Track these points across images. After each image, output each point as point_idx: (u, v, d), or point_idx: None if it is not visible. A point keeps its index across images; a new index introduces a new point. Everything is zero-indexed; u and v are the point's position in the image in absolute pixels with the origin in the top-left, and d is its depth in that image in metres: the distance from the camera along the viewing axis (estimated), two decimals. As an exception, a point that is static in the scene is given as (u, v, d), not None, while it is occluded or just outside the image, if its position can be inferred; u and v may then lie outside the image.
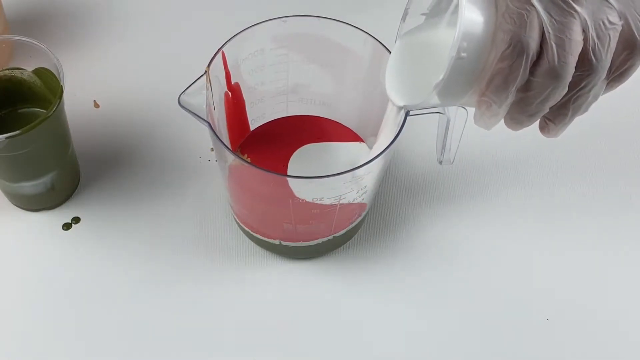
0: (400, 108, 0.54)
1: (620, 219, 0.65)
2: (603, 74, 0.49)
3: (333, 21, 0.58)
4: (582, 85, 0.49)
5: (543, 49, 0.48)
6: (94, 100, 0.70)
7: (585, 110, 0.52)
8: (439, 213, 0.65)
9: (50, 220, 0.64)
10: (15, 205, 0.64)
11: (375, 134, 0.62)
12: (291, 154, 0.63)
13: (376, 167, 0.55)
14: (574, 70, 0.48)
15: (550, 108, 0.51)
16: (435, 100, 0.50)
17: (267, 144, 0.64)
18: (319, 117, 0.65)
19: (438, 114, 0.57)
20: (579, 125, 0.69)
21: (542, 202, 0.66)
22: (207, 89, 0.55)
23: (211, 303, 0.61)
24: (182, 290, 0.61)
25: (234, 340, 0.59)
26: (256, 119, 0.65)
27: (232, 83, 0.59)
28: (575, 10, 0.47)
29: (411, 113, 0.55)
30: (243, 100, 0.62)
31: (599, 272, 0.63)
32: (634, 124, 0.70)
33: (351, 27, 0.58)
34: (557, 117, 0.52)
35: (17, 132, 0.56)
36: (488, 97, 0.49)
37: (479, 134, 0.67)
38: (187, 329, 0.60)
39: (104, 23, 0.75)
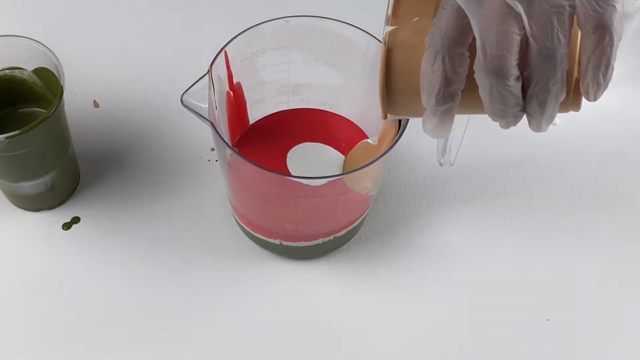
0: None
1: (621, 219, 0.65)
2: (558, 63, 0.45)
3: (335, 21, 0.58)
4: (538, 78, 0.46)
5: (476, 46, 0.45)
6: (94, 100, 0.70)
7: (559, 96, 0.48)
8: (439, 214, 0.65)
9: (50, 220, 0.64)
10: (15, 205, 0.64)
11: (376, 134, 0.62)
12: (288, 150, 0.63)
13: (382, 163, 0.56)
14: (514, 63, 0.45)
15: (526, 103, 0.47)
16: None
17: (265, 139, 0.64)
18: (320, 110, 0.65)
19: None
20: (579, 126, 0.70)
21: (542, 202, 0.66)
22: (210, 88, 0.55)
23: (211, 303, 0.61)
24: (182, 290, 0.61)
25: (234, 340, 0.59)
26: (257, 118, 0.65)
27: (234, 83, 0.59)
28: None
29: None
30: (244, 100, 0.62)
31: (599, 272, 0.63)
32: (634, 125, 0.71)
33: (353, 27, 0.58)
34: (531, 112, 0.48)
35: (17, 132, 0.56)
36: (429, 108, 0.47)
37: (479, 136, 0.68)
38: (187, 328, 0.60)
39: (104, 23, 0.75)
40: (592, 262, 0.63)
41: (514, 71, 0.45)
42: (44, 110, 0.62)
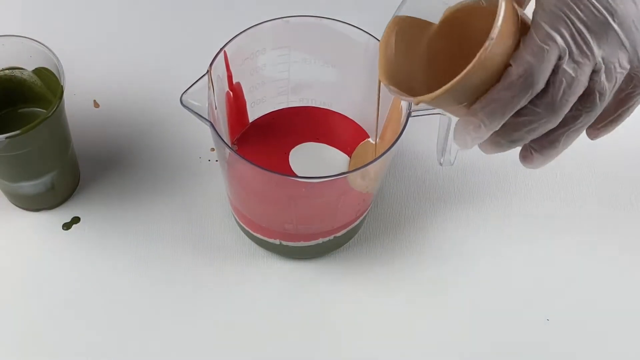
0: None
1: (621, 219, 0.65)
2: (599, 112, 0.49)
3: (335, 21, 0.58)
4: (578, 122, 0.49)
5: (549, 82, 0.47)
6: (94, 100, 0.70)
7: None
8: (439, 214, 0.65)
9: (50, 220, 0.64)
10: (15, 205, 0.64)
11: (376, 134, 0.62)
12: (290, 150, 0.63)
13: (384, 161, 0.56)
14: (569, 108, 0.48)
15: (538, 140, 0.50)
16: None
17: (266, 138, 0.64)
18: (321, 108, 0.65)
19: (439, 115, 0.57)
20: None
21: (543, 203, 0.66)
22: (209, 88, 0.55)
23: (211, 303, 0.61)
24: (181, 290, 0.61)
25: (234, 340, 0.59)
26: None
27: (234, 83, 0.59)
28: (593, 54, 0.47)
29: (412, 114, 0.55)
30: (244, 100, 0.62)
31: (599, 272, 0.63)
32: (634, 125, 0.70)
33: (353, 27, 0.58)
34: (545, 149, 0.51)
35: (17, 132, 0.56)
36: (480, 119, 0.48)
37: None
38: (187, 328, 0.60)
39: (104, 23, 0.75)
40: (593, 262, 0.63)
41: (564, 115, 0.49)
42: (44, 110, 0.62)
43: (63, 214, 0.64)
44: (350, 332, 0.60)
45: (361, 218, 0.62)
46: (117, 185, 0.66)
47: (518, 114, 0.48)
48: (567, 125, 0.49)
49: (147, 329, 0.60)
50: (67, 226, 0.64)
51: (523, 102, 0.47)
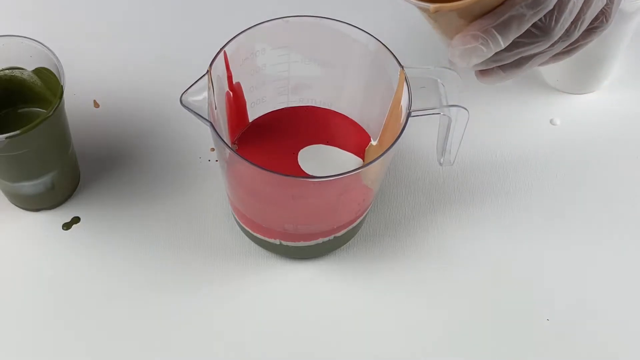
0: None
1: (622, 219, 0.65)
2: (575, 38, 0.51)
3: (335, 21, 0.58)
4: (556, 46, 0.50)
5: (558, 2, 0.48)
6: (94, 100, 0.70)
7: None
8: (439, 214, 0.65)
9: (50, 220, 0.64)
10: (15, 205, 0.64)
11: (376, 134, 0.62)
12: (297, 150, 0.63)
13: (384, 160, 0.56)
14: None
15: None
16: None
17: (266, 138, 0.64)
18: (320, 107, 0.65)
19: (439, 115, 0.57)
20: (579, 126, 0.70)
21: (542, 202, 0.66)
22: (209, 88, 0.55)
23: (211, 303, 0.61)
24: (181, 290, 0.61)
25: (234, 340, 0.59)
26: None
27: (234, 83, 0.59)
28: None
29: (412, 114, 0.55)
30: (244, 100, 0.62)
31: (599, 272, 0.63)
32: (634, 125, 0.71)
33: (353, 27, 0.58)
34: (511, 68, 0.51)
35: (17, 132, 0.56)
36: (489, 36, 0.48)
37: (479, 136, 0.68)
38: (187, 328, 0.60)
39: (104, 23, 0.75)
40: (593, 262, 0.63)
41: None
42: (44, 111, 0.62)
43: (63, 214, 0.64)
44: (351, 331, 0.60)
45: (361, 218, 0.62)
46: (117, 185, 0.66)
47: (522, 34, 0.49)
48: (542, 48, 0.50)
49: (147, 329, 0.60)
50: (67, 226, 0.64)
51: (536, 18, 0.48)
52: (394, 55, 0.57)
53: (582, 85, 0.71)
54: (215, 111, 0.56)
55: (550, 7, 0.48)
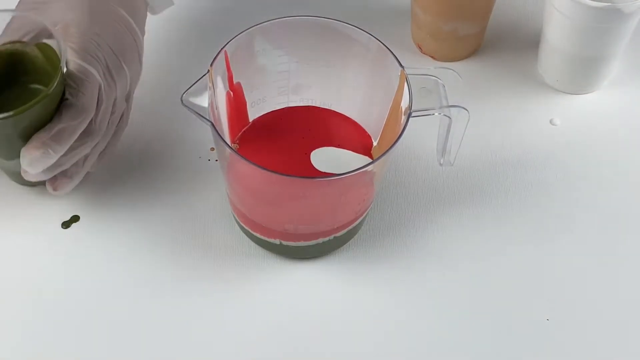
0: None
1: (621, 219, 0.65)
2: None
3: (335, 22, 0.58)
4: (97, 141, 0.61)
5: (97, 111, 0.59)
6: (94, 100, 0.70)
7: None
8: (438, 214, 0.65)
9: (50, 219, 0.64)
10: (15, 181, 0.64)
11: (376, 134, 0.63)
12: (297, 150, 0.63)
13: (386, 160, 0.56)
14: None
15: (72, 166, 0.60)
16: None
17: (266, 137, 0.64)
18: (320, 107, 0.65)
19: (439, 115, 0.57)
20: (579, 126, 0.70)
21: (542, 203, 0.66)
22: (210, 88, 0.55)
23: (211, 303, 0.61)
24: (181, 290, 0.61)
25: (233, 340, 0.59)
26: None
27: (234, 83, 0.59)
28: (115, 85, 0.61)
29: (413, 114, 0.55)
30: (244, 100, 0.62)
31: (599, 272, 0.63)
32: (634, 125, 0.71)
33: (354, 27, 0.58)
34: (74, 173, 0.61)
35: (10, 113, 0.55)
36: (50, 147, 0.57)
37: (479, 136, 0.68)
38: (187, 328, 0.60)
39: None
40: (593, 262, 0.63)
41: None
42: (44, 88, 0.61)
43: (63, 213, 0.64)
44: (350, 332, 0.60)
45: (361, 218, 0.62)
46: (117, 184, 0.66)
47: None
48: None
49: (147, 328, 0.60)
50: (66, 225, 0.64)
51: (83, 126, 0.58)
52: (395, 55, 0.57)
53: (582, 85, 0.71)
54: (215, 111, 0.56)
55: (91, 116, 0.58)
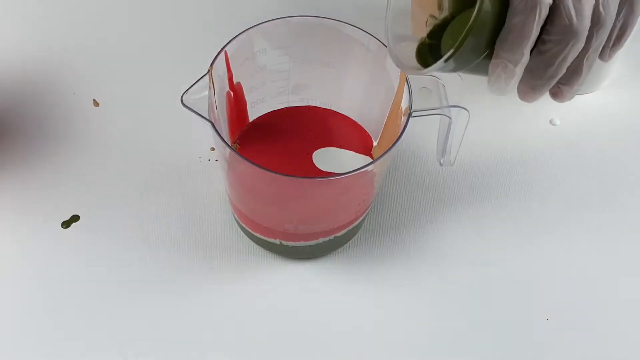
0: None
1: (621, 219, 0.65)
2: (609, 28, 0.49)
3: (335, 21, 0.58)
4: (592, 42, 0.49)
5: (557, 3, 0.47)
6: (94, 100, 0.70)
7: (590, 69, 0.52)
8: (439, 214, 0.65)
9: (50, 218, 0.64)
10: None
11: (376, 134, 0.63)
12: (297, 150, 0.63)
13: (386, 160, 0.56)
14: (589, 24, 0.47)
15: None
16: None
17: (266, 137, 0.64)
18: (319, 107, 0.65)
19: (439, 115, 0.57)
20: (579, 126, 0.70)
21: (542, 202, 0.66)
22: (210, 88, 0.55)
23: (211, 303, 0.61)
24: (181, 290, 0.61)
25: (233, 340, 0.59)
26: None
27: (234, 83, 0.59)
28: None
29: (413, 114, 0.55)
30: (244, 100, 0.62)
31: (599, 272, 0.63)
32: (634, 125, 0.71)
33: (354, 27, 0.58)
34: (571, 79, 0.51)
35: (450, 52, 0.49)
36: (503, 57, 0.49)
37: (479, 136, 0.68)
38: (186, 328, 0.60)
39: (105, 22, 0.75)
40: (593, 262, 0.63)
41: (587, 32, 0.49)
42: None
43: (62, 213, 0.64)
44: (350, 332, 0.60)
45: (361, 218, 0.62)
46: (117, 184, 0.66)
47: (543, 49, 0.49)
48: (585, 49, 0.49)
49: (147, 328, 0.60)
50: (66, 224, 0.64)
51: (535, 27, 0.47)
52: (395, 56, 0.57)
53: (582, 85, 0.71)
54: (216, 111, 0.56)
55: (544, 8, 0.47)
